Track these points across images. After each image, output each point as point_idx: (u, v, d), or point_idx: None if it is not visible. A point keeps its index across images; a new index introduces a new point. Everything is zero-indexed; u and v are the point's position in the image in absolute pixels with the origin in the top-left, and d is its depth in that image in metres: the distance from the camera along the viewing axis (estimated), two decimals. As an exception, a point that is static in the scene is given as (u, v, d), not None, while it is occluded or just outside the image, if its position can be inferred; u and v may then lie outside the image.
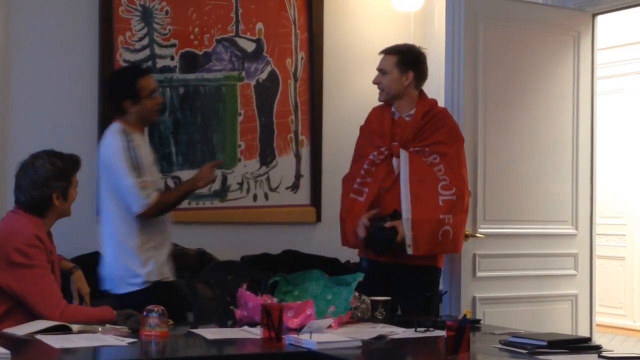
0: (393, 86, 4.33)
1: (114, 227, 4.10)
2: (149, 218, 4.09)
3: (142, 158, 4.06)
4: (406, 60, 4.36)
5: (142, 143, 4.20)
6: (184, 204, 5.37)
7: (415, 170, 4.22)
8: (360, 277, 3.59)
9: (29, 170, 3.41)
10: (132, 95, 4.14)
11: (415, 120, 4.31)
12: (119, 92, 4.19)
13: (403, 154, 4.25)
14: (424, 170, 4.22)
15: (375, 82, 4.40)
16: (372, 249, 4.22)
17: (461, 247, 4.44)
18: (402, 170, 4.23)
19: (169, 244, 4.21)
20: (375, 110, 4.49)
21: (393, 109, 4.38)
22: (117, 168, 4.03)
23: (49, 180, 3.39)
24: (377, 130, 4.38)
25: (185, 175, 5.41)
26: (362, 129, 4.53)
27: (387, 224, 4.14)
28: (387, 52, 4.40)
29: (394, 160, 4.27)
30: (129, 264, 4.04)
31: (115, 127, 4.12)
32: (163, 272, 4.08)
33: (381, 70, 4.36)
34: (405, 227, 4.14)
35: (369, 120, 4.50)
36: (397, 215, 4.17)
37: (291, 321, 3.26)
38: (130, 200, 4.02)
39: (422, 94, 4.41)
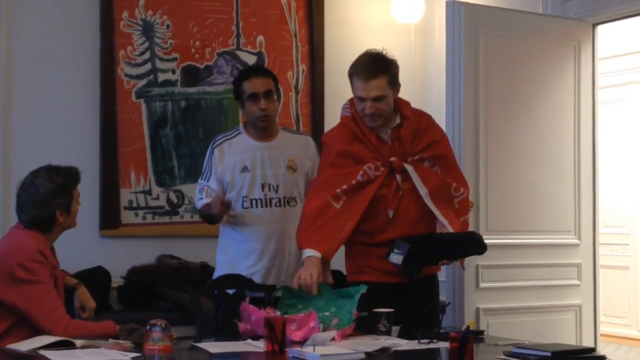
0: (390, 106, 3.86)
1: None
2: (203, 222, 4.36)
3: (215, 166, 4.17)
4: (393, 75, 3.85)
5: (245, 147, 4.18)
6: (186, 217, 5.42)
7: (428, 181, 3.89)
8: (363, 289, 3.57)
9: (30, 190, 3.40)
10: (239, 98, 4.20)
11: (406, 128, 3.89)
12: (234, 93, 4.25)
13: (408, 167, 3.87)
14: (435, 179, 3.92)
15: (370, 111, 3.78)
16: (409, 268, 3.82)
17: None
18: (418, 186, 3.86)
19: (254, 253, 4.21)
20: (338, 130, 3.97)
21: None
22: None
23: (51, 198, 3.39)
24: (365, 147, 3.89)
25: (187, 189, 5.42)
26: (333, 151, 3.93)
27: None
28: (377, 73, 3.78)
29: (398, 177, 3.87)
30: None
31: (224, 133, 4.34)
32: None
33: (378, 97, 3.77)
34: None
35: (336, 140, 3.94)
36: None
37: (294, 334, 3.25)
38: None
39: (397, 100, 3.93)
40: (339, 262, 4.68)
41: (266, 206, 4.18)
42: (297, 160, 4.25)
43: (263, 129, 4.20)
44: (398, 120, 3.91)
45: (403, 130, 3.90)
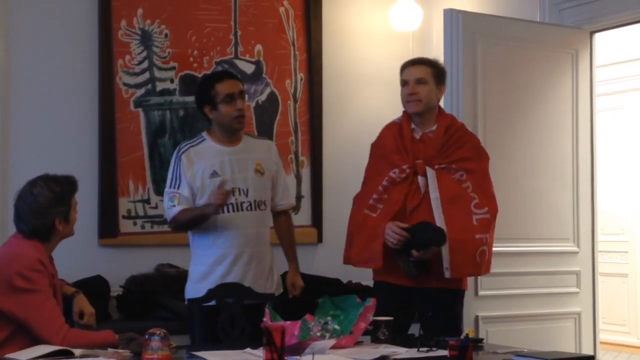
0: (431, 97, 4.07)
1: None
2: (175, 231, 4.26)
3: (184, 172, 4.11)
4: (440, 74, 4.14)
5: (212, 153, 4.16)
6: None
7: (445, 188, 3.98)
8: (367, 302, 3.55)
9: (28, 199, 3.40)
10: (210, 102, 4.15)
11: (438, 135, 4.07)
12: (199, 98, 4.22)
13: (430, 172, 3.99)
14: (454, 188, 3.99)
15: (411, 91, 4.05)
16: (416, 242, 3.89)
17: (490, 267, 4.17)
18: (431, 189, 3.97)
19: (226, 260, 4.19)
20: (389, 127, 4.20)
21: (413, 125, 4.11)
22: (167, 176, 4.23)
23: (49, 207, 3.39)
24: (395, 148, 4.10)
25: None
26: (374, 147, 4.24)
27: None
28: (422, 62, 4.16)
29: (420, 179, 4.00)
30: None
31: (188, 141, 4.27)
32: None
33: (419, 79, 4.06)
34: (443, 250, 3.89)
35: (383, 137, 4.21)
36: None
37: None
38: (164, 206, 4.22)
39: (440, 109, 4.19)
40: (338, 268, 4.69)
41: (238, 210, 4.16)
42: (263, 164, 4.26)
43: (236, 131, 4.21)
44: (434, 127, 4.08)
45: (435, 137, 4.06)
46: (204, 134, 4.25)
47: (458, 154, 4.05)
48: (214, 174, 4.14)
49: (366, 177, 4.22)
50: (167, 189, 4.19)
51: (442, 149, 4.05)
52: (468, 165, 4.05)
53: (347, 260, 4.17)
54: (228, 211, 4.13)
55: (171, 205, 4.13)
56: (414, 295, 4.01)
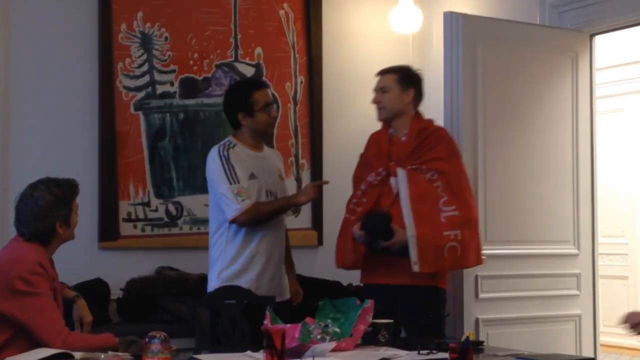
0: (395, 103, 4.32)
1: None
2: (244, 226, 4.18)
3: (238, 168, 4.16)
4: (407, 77, 4.36)
5: (246, 156, 4.25)
6: (185, 229, 5.41)
7: (414, 187, 4.18)
8: (366, 304, 3.56)
9: (29, 202, 3.40)
10: (246, 109, 4.25)
11: (410, 137, 4.28)
12: (233, 105, 4.30)
13: (400, 172, 4.21)
14: (423, 186, 4.18)
15: (375, 101, 4.37)
16: (368, 231, 4.13)
17: (474, 262, 4.30)
18: (401, 188, 4.19)
19: (268, 264, 4.26)
20: (373, 135, 4.48)
21: (390, 130, 4.37)
22: (214, 178, 4.19)
23: (50, 210, 3.39)
24: (375, 154, 4.36)
25: (186, 200, 5.43)
26: (361, 156, 4.52)
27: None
28: (386, 71, 4.40)
29: (392, 179, 4.23)
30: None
31: (220, 143, 4.29)
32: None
33: (382, 88, 4.35)
34: (411, 245, 4.09)
35: (367, 146, 4.48)
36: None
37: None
38: (225, 206, 4.14)
39: (417, 113, 4.39)
40: (338, 271, 4.70)
41: None
42: (281, 171, 4.47)
43: (267, 137, 4.49)
44: (407, 130, 4.30)
45: (407, 140, 4.27)
46: (232, 139, 4.31)
47: (429, 155, 4.24)
48: (252, 176, 4.22)
49: (352, 184, 4.46)
50: (227, 187, 4.14)
51: (414, 150, 4.25)
52: (439, 166, 4.21)
53: (337, 263, 4.43)
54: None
55: (241, 200, 4.12)
56: (393, 293, 4.18)
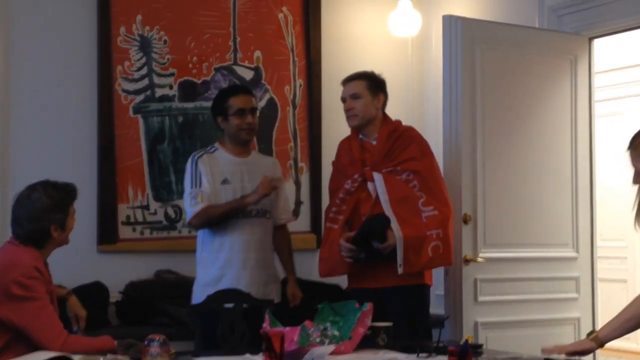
0: (367, 110, 4.37)
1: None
2: (197, 228, 4.37)
3: (205, 173, 4.30)
4: (375, 83, 4.41)
5: (224, 161, 4.38)
6: (184, 232, 5.41)
7: (393, 190, 4.23)
8: (365, 307, 3.56)
9: (26, 204, 3.40)
10: (222, 113, 4.41)
11: (381, 141, 4.33)
12: (212, 109, 4.50)
13: (377, 176, 4.26)
14: (401, 189, 4.24)
15: (347, 107, 4.39)
16: (365, 232, 4.13)
17: (453, 258, 4.37)
18: (380, 192, 4.23)
19: (237, 261, 4.33)
20: (341, 143, 4.54)
21: (361, 136, 4.42)
22: (184, 183, 4.39)
23: (46, 213, 3.38)
24: (348, 161, 4.40)
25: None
26: (334, 164, 4.57)
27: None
28: (355, 77, 4.43)
29: (369, 184, 4.27)
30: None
31: (201, 149, 4.51)
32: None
33: (353, 94, 4.37)
34: (399, 247, 4.13)
35: (338, 155, 4.53)
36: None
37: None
38: (185, 209, 4.35)
39: (385, 116, 4.45)
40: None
41: (246, 217, 4.35)
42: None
43: (245, 142, 4.47)
44: (377, 134, 4.35)
45: (378, 144, 4.33)
46: (217, 144, 4.50)
47: (403, 156, 4.29)
48: (225, 181, 4.36)
49: (329, 193, 4.50)
50: (188, 191, 4.35)
51: (387, 153, 4.31)
52: (414, 166, 4.28)
53: (320, 272, 4.44)
54: (237, 216, 4.33)
55: (196, 203, 4.28)
56: (381, 296, 4.19)
